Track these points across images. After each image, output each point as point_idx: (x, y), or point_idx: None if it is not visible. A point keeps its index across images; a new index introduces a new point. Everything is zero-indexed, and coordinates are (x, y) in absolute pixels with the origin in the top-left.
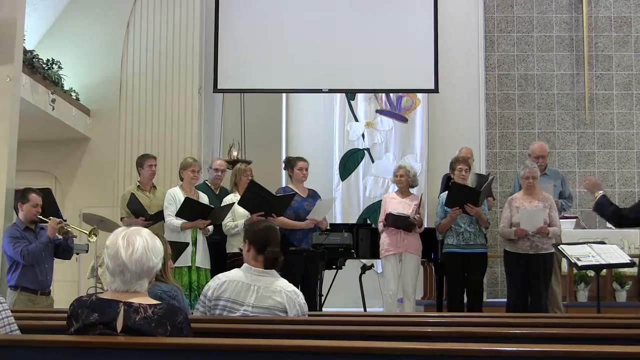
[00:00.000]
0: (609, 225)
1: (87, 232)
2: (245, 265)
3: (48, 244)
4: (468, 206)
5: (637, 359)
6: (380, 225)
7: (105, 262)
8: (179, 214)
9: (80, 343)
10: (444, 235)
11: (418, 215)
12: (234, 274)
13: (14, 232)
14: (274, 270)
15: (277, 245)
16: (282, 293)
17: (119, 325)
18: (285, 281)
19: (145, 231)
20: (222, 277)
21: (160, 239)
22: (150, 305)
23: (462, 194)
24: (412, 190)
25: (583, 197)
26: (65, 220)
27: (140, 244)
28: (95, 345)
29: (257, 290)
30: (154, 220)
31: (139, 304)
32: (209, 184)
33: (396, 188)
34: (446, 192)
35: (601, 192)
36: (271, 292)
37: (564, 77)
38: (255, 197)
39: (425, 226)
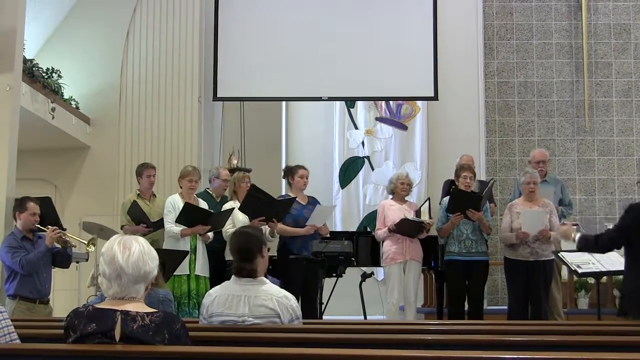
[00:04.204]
0: None
1: (86, 242)
2: (233, 276)
3: (46, 253)
4: (470, 211)
5: None
6: (380, 232)
7: (101, 269)
8: (178, 220)
9: (80, 352)
10: (446, 242)
11: (431, 220)
12: (222, 288)
13: (11, 242)
14: (262, 278)
15: (245, 254)
16: (272, 299)
17: (117, 334)
18: (275, 287)
19: (141, 238)
20: (212, 292)
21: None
22: (147, 314)
23: (463, 199)
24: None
25: (583, 204)
26: (65, 229)
27: (136, 248)
28: (94, 354)
29: (248, 300)
30: (155, 227)
31: (136, 312)
32: (210, 192)
33: (390, 196)
34: (448, 197)
35: (578, 234)
36: (262, 300)
37: (564, 84)
38: (256, 201)
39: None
